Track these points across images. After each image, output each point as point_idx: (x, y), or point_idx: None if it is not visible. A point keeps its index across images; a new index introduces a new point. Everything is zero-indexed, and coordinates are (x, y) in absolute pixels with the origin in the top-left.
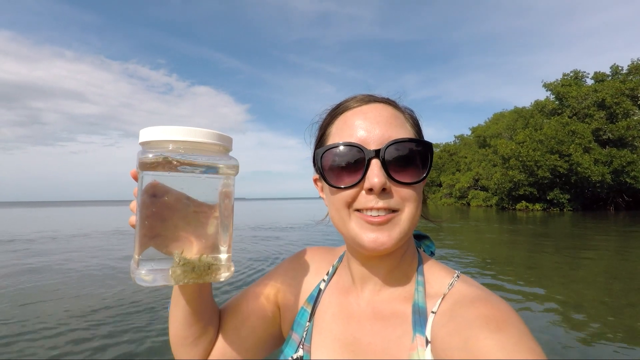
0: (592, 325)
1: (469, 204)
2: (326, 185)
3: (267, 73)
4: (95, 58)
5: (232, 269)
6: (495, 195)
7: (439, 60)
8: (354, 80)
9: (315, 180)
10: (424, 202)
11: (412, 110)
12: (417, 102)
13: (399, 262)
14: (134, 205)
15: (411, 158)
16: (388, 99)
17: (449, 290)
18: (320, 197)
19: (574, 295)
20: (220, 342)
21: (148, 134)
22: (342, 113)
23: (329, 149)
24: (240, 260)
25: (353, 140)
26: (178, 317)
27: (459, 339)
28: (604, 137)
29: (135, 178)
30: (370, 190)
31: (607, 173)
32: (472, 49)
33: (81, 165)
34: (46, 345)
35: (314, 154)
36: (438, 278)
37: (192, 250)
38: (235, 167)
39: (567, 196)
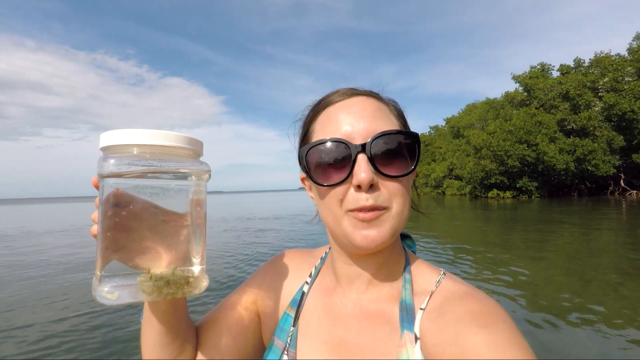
0: (556, 299)
1: (444, 193)
2: (314, 184)
3: (243, 64)
4: (60, 48)
5: (207, 281)
6: (469, 184)
7: (414, 52)
8: (330, 72)
9: (302, 179)
10: (416, 193)
11: (395, 102)
12: (393, 93)
13: (386, 260)
14: (95, 215)
15: (398, 150)
16: (371, 91)
17: (437, 287)
18: (299, 188)
19: (540, 273)
20: (201, 359)
21: (109, 138)
22: (324, 108)
23: (313, 146)
24: (220, 258)
25: (338, 135)
26: (151, 338)
27: (448, 335)
28: (568, 127)
29: (97, 186)
30: (359, 187)
31: (571, 161)
32: (446, 41)
33: (48, 161)
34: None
35: (299, 152)
36: (425, 276)
37: (161, 262)
38: (207, 173)
39: (535, 184)
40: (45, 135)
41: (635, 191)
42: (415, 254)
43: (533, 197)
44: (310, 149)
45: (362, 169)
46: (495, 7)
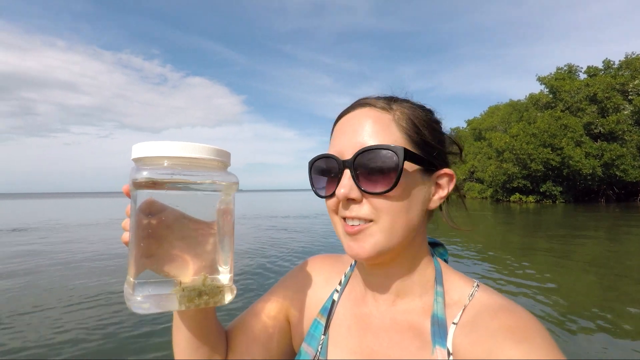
0: (581, 309)
1: (464, 196)
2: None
3: (263, 64)
4: (88, 48)
5: (235, 290)
6: (490, 188)
7: (434, 52)
8: (350, 72)
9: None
10: (448, 201)
11: (410, 108)
12: (413, 94)
13: (410, 271)
14: (126, 223)
15: (379, 166)
16: (378, 99)
17: (470, 300)
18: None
19: (565, 281)
20: None
21: (141, 149)
22: (338, 121)
23: (315, 160)
24: (248, 259)
25: (333, 150)
26: (181, 343)
27: (482, 350)
28: (595, 131)
29: (128, 194)
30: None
31: (598, 166)
32: (469, 40)
33: (75, 157)
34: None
35: (308, 163)
36: (457, 288)
37: (190, 271)
38: (235, 184)
39: (560, 188)
40: (73, 132)
41: None
42: (447, 262)
43: (557, 202)
44: (313, 162)
45: (342, 184)
46: (520, 4)
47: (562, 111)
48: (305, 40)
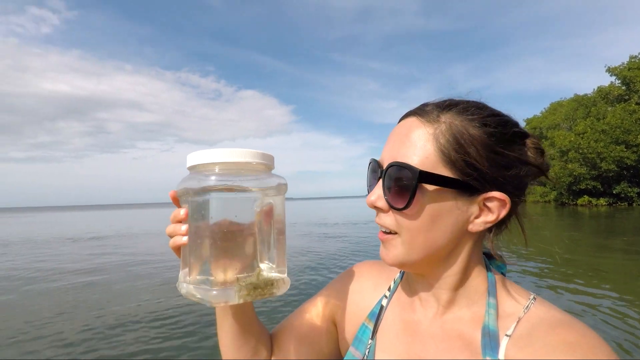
0: None
1: (525, 200)
2: None
3: (311, 73)
4: (151, 69)
5: (288, 283)
6: (554, 190)
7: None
8: (397, 75)
9: None
10: (503, 226)
11: (465, 120)
12: (465, 94)
13: (454, 284)
14: (171, 229)
15: (398, 183)
16: (431, 106)
17: (525, 313)
18: (364, 195)
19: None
20: None
21: (194, 158)
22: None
23: (371, 162)
24: (297, 264)
25: (380, 156)
26: (226, 342)
27: None
28: None
29: (174, 198)
30: None
31: None
32: (525, 33)
33: (142, 170)
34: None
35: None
36: (512, 300)
37: (239, 267)
38: (282, 185)
39: (637, 189)
40: (139, 148)
41: None
42: (505, 275)
43: (634, 204)
44: (370, 162)
45: (373, 192)
46: None
47: (637, 104)
48: (352, 47)
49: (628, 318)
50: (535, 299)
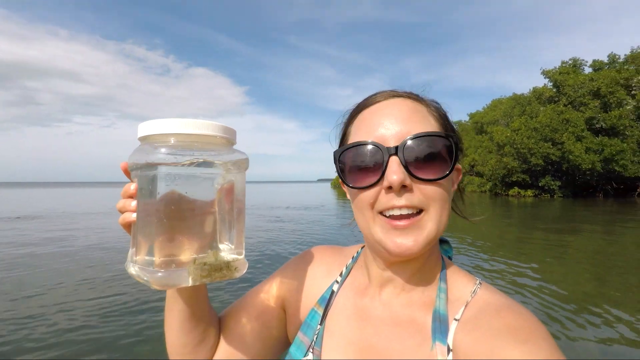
0: (577, 302)
1: (464, 189)
2: (347, 187)
3: (267, 55)
4: (91, 37)
5: (246, 265)
6: (490, 181)
7: (440, 44)
8: (354, 63)
9: (341, 183)
10: (461, 196)
11: (438, 103)
12: (418, 87)
13: (422, 267)
14: (122, 205)
15: (433, 153)
16: (410, 92)
17: (472, 297)
18: (318, 180)
19: (559, 274)
20: (225, 348)
21: (147, 128)
22: (361, 111)
23: (347, 149)
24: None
25: (370, 138)
26: (174, 325)
27: (484, 348)
28: (597, 125)
29: (126, 171)
30: (389, 188)
31: (598, 161)
32: (474, 32)
33: (78, 147)
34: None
35: (333, 154)
36: (460, 285)
37: (199, 247)
38: (243, 161)
39: (558, 183)
40: (76, 122)
41: None
42: (451, 259)
43: (556, 196)
44: (343, 151)
45: (394, 170)
46: None
47: (564, 105)
48: (310, 31)
49: (544, 295)
50: (480, 283)
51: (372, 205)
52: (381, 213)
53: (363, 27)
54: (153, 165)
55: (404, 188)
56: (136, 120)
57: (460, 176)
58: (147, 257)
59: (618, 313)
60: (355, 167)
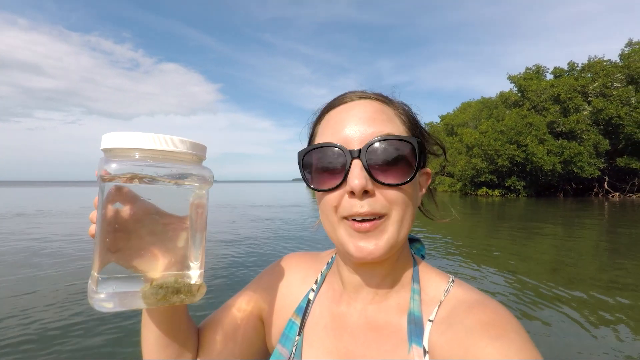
0: (538, 290)
1: (435, 189)
2: (308, 187)
3: (240, 52)
4: (53, 28)
5: (205, 288)
6: (460, 182)
7: (412, 46)
8: (328, 63)
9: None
10: (432, 198)
11: (406, 105)
12: (388, 88)
13: (393, 269)
14: (94, 215)
15: (396, 157)
16: (379, 94)
17: (445, 296)
18: (292, 180)
19: (524, 266)
20: None
21: (112, 140)
22: (328, 111)
23: (310, 150)
24: (223, 251)
25: (334, 139)
26: (150, 339)
27: (458, 347)
28: (557, 129)
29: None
30: (352, 194)
31: (558, 163)
32: (447, 36)
33: (39, 144)
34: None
35: (297, 155)
36: (433, 284)
37: (159, 266)
38: (209, 178)
39: (523, 183)
40: (37, 117)
41: (618, 194)
42: (424, 258)
43: (520, 196)
44: (306, 152)
45: (355, 175)
46: (498, 2)
47: (528, 110)
48: (285, 29)
49: (507, 287)
50: (453, 281)
51: (336, 209)
52: (344, 217)
53: (337, 26)
54: (103, 179)
55: (366, 193)
56: (103, 116)
57: (429, 180)
58: (95, 274)
59: (578, 297)
60: (318, 168)
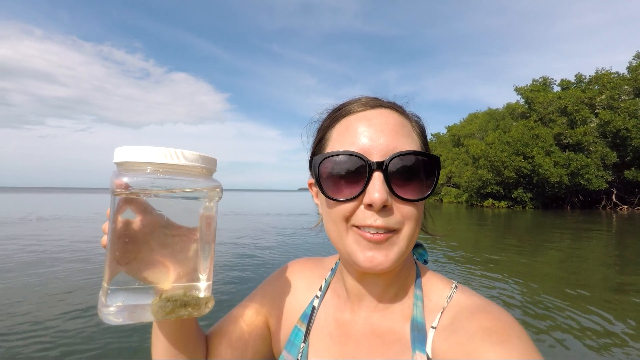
0: (546, 304)
1: (441, 200)
2: (323, 196)
3: (248, 61)
4: (67, 38)
5: (213, 300)
6: (466, 193)
7: (419, 56)
8: (335, 73)
9: (310, 185)
10: (426, 210)
11: (419, 118)
12: (398, 98)
13: (396, 277)
14: (106, 226)
15: (417, 172)
16: (394, 104)
17: (448, 302)
18: (298, 189)
19: (530, 277)
20: None
21: (124, 154)
22: (344, 116)
23: (328, 157)
24: (230, 260)
25: (355, 148)
26: (160, 350)
27: (461, 353)
28: (564, 141)
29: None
30: (369, 206)
31: (565, 175)
32: (453, 46)
33: (51, 151)
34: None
35: (312, 159)
36: (436, 290)
37: (169, 277)
38: (219, 191)
39: (530, 195)
40: (49, 125)
41: (626, 206)
42: (426, 263)
43: (527, 207)
44: (324, 158)
45: (377, 188)
46: (499, 13)
47: (535, 121)
48: (292, 40)
49: (514, 298)
50: (457, 287)
51: (347, 219)
52: (355, 226)
53: (343, 37)
54: (115, 193)
55: (384, 207)
56: (113, 125)
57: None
58: (105, 285)
59: (585, 307)
60: (335, 176)
